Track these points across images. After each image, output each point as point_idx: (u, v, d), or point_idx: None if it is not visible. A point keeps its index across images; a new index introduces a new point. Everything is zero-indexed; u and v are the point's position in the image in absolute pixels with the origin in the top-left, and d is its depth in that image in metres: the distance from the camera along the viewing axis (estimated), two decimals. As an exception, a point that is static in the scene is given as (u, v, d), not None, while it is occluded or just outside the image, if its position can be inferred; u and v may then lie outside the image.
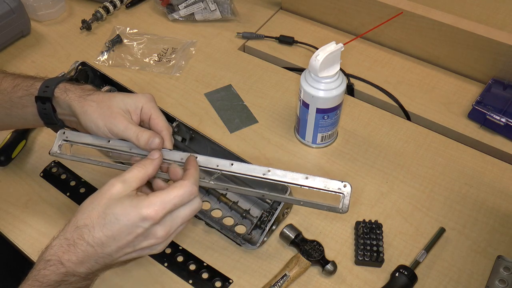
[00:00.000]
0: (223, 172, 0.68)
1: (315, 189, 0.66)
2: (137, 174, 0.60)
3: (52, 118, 0.71)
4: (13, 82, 0.73)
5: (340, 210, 0.65)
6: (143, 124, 0.70)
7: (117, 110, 0.67)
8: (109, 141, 0.69)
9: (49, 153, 0.71)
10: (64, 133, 0.71)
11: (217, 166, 0.68)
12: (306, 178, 0.66)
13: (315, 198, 0.68)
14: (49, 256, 0.57)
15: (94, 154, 0.72)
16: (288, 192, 0.74)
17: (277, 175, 0.67)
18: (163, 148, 0.68)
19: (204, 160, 0.68)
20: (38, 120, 0.72)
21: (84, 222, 0.57)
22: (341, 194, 0.65)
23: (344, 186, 0.65)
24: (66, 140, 0.71)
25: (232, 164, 0.67)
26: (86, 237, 0.56)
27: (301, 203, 0.68)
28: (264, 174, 0.67)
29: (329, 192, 0.66)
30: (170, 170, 0.65)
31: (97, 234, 0.56)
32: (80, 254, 0.56)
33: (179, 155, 0.68)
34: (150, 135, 0.66)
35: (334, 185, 0.65)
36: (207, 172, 0.69)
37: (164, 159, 0.68)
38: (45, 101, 0.69)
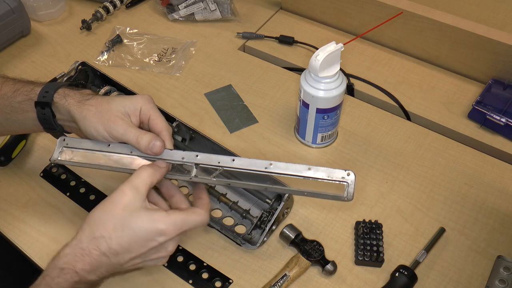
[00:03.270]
0: (225, 168, 0.68)
1: (318, 180, 0.66)
2: (146, 179, 0.62)
3: (51, 124, 0.71)
4: (13, 86, 0.73)
5: (345, 198, 0.65)
6: (143, 125, 0.70)
7: (116, 113, 0.67)
8: (109, 145, 0.69)
9: (50, 160, 0.71)
10: (64, 140, 0.72)
11: (219, 162, 0.68)
12: (309, 169, 0.66)
13: (319, 188, 0.68)
14: (64, 265, 0.58)
15: (95, 159, 0.73)
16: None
17: (280, 168, 0.67)
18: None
19: (205, 158, 0.68)
20: (37, 125, 0.72)
21: (101, 233, 0.59)
22: (345, 183, 0.65)
23: (348, 174, 0.65)
24: (67, 147, 0.71)
25: (233, 160, 0.68)
26: (103, 248, 0.58)
27: (305, 193, 0.67)
28: (266, 168, 0.67)
29: (333, 181, 0.65)
30: (175, 198, 0.67)
31: (114, 245, 0.58)
32: (94, 263, 0.58)
33: (179, 155, 0.68)
34: (151, 138, 0.66)
35: (337, 174, 0.65)
36: (208, 170, 0.69)
37: (164, 158, 0.68)
38: (44, 107, 0.69)
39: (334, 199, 0.66)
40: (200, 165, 0.68)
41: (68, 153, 0.72)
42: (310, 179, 0.66)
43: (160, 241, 0.60)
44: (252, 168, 0.67)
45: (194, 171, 0.68)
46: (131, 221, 0.59)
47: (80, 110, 0.67)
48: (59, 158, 0.71)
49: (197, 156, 0.68)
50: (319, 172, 0.66)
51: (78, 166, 0.72)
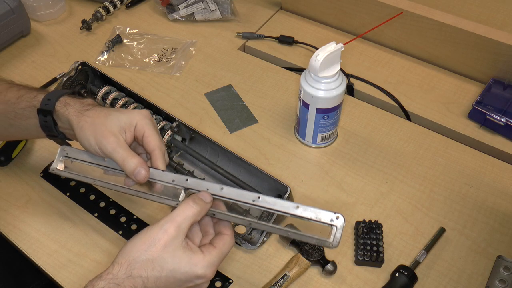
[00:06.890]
0: (213, 196, 0.66)
1: (306, 220, 0.63)
2: (190, 218, 0.61)
3: (53, 131, 0.71)
4: (17, 93, 0.73)
5: (330, 245, 0.61)
6: (137, 141, 0.69)
7: (110, 128, 0.66)
8: (105, 159, 0.69)
9: (49, 170, 0.72)
10: (64, 149, 0.72)
11: (207, 189, 0.66)
12: (297, 207, 0.63)
13: (304, 229, 0.66)
14: None
15: (91, 172, 0.73)
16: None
17: (267, 202, 0.64)
18: (154, 168, 0.67)
19: (195, 183, 0.66)
20: (40, 131, 0.72)
21: (139, 272, 0.58)
22: (333, 227, 0.62)
23: (337, 218, 0.62)
24: (66, 156, 0.72)
25: (222, 189, 0.65)
26: (139, 286, 0.58)
27: (289, 233, 0.65)
28: (253, 201, 0.64)
29: (321, 223, 0.62)
30: (222, 223, 0.66)
31: (151, 285, 0.59)
32: None
33: (170, 177, 0.67)
34: (137, 165, 0.65)
35: (326, 216, 0.62)
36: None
37: (155, 179, 0.67)
38: (46, 114, 0.70)
39: (318, 243, 0.63)
40: (189, 189, 0.67)
41: (67, 163, 0.72)
42: (297, 217, 0.63)
43: (197, 283, 0.61)
44: (240, 199, 0.65)
45: (182, 195, 0.66)
46: (171, 263, 0.59)
47: (78, 120, 0.67)
48: (57, 168, 0.72)
49: (187, 180, 0.67)
50: (307, 212, 0.62)
51: (74, 178, 0.73)
